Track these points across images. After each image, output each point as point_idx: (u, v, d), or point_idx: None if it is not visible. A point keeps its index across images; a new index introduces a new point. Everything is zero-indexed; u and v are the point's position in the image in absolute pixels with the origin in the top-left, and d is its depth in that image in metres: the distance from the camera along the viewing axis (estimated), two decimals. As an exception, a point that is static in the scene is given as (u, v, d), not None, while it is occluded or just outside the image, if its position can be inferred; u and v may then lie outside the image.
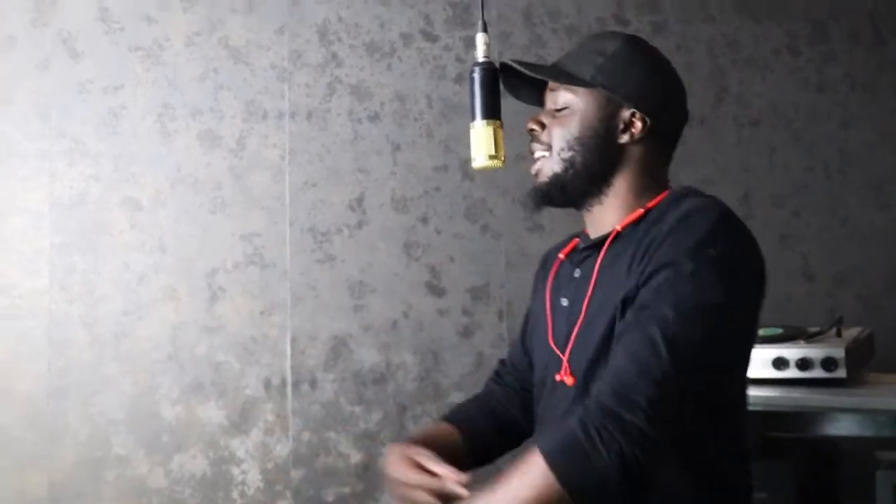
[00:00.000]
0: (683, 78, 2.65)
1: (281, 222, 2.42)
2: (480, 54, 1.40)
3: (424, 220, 2.50)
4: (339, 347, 2.41)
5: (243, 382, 2.36)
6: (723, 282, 1.15)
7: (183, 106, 2.39)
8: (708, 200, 1.25)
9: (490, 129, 1.36)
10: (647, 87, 1.32)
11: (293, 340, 2.39)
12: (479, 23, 1.42)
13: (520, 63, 1.35)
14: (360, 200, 2.47)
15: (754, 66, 2.78)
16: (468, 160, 2.49)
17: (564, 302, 1.33)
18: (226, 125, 2.41)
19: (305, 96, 2.46)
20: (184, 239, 2.37)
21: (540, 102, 1.41)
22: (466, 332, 2.49)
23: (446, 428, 1.48)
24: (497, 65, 1.38)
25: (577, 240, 1.41)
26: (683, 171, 2.70)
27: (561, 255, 1.41)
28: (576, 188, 1.32)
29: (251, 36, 2.44)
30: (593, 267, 1.29)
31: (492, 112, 1.37)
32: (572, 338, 1.28)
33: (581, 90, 1.31)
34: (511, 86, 1.42)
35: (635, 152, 1.32)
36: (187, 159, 2.38)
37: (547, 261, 1.49)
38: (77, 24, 2.35)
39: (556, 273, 1.41)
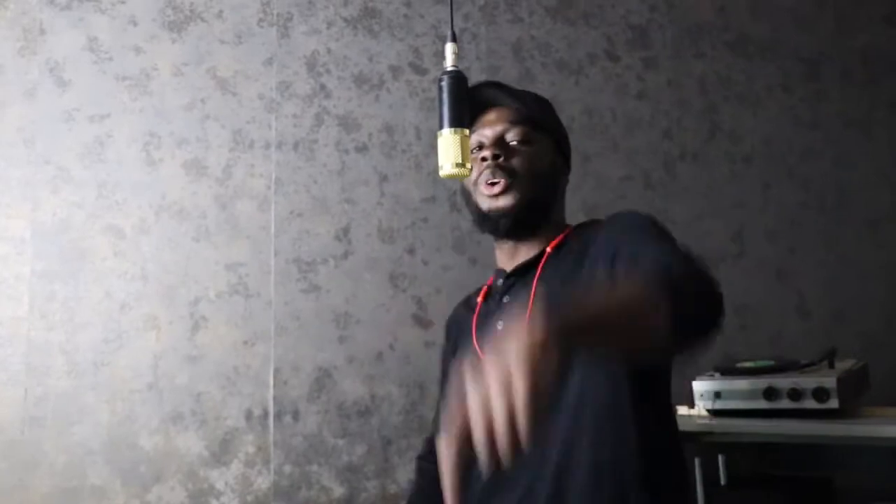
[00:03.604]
0: (675, 113, 2.70)
1: (266, 252, 2.39)
2: (449, 63, 1.39)
3: (411, 252, 2.47)
4: (322, 379, 2.37)
5: (224, 413, 2.31)
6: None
7: (169, 135, 2.38)
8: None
9: (458, 138, 1.34)
10: (568, 145, 1.54)
11: (276, 371, 2.35)
12: (449, 33, 1.41)
13: (502, 92, 1.49)
14: (346, 231, 2.44)
15: (747, 103, 2.78)
16: (456, 192, 2.51)
17: (500, 325, 1.37)
18: (212, 154, 2.40)
19: (293, 126, 2.46)
20: (167, 267, 2.34)
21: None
22: (453, 366, 2.44)
23: None
24: (466, 74, 1.38)
25: (485, 287, 1.53)
26: (676, 205, 2.69)
27: (479, 299, 1.51)
28: (537, 216, 1.44)
29: (239, 67, 2.45)
30: (528, 287, 1.38)
31: (459, 121, 1.35)
32: None
33: (543, 134, 1.47)
34: None
35: (562, 193, 1.51)
36: (172, 188, 2.37)
37: (453, 325, 1.58)
38: (65, 53, 2.36)
39: (479, 316, 1.48)
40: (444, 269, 2.48)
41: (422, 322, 2.45)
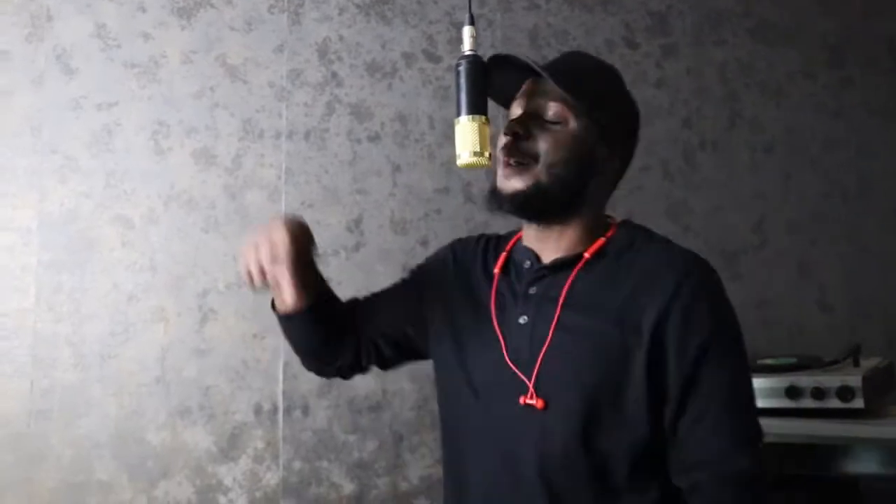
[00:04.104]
0: (695, 101, 2.63)
1: (276, 243, 2.34)
2: (467, 47, 1.34)
3: (424, 243, 2.42)
4: (333, 373, 2.32)
5: (233, 407, 2.27)
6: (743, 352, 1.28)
7: (178, 123, 2.34)
8: (684, 249, 1.32)
9: (475, 125, 1.28)
10: (625, 130, 1.36)
11: (286, 365, 2.31)
12: (467, 15, 1.36)
13: (547, 68, 1.31)
14: (358, 222, 2.39)
15: (768, 91, 2.71)
16: (470, 182, 2.46)
17: (523, 320, 1.29)
18: (222, 143, 2.35)
19: (304, 115, 2.40)
20: (176, 258, 2.30)
21: (503, 101, 1.39)
22: (467, 360, 2.39)
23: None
24: (484, 59, 1.33)
25: (503, 254, 1.39)
26: (695, 196, 2.62)
27: (496, 270, 1.38)
28: (554, 203, 1.30)
29: (249, 54, 2.40)
30: (558, 289, 1.28)
31: (477, 107, 1.29)
32: (539, 360, 1.24)
33: (580, 112, 1.30)
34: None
35: (601, 183, 1.34)
36: (181, 177, 2.32)
37: (459, 265, 1.44)
38: (72, 40, 2.31)
39: (497, 293, 1.36)
40: (458, 261, 2.42)
41: (435, 315, 2.39)
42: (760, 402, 1.96)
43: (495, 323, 1.31)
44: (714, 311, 1.24)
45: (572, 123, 1.29)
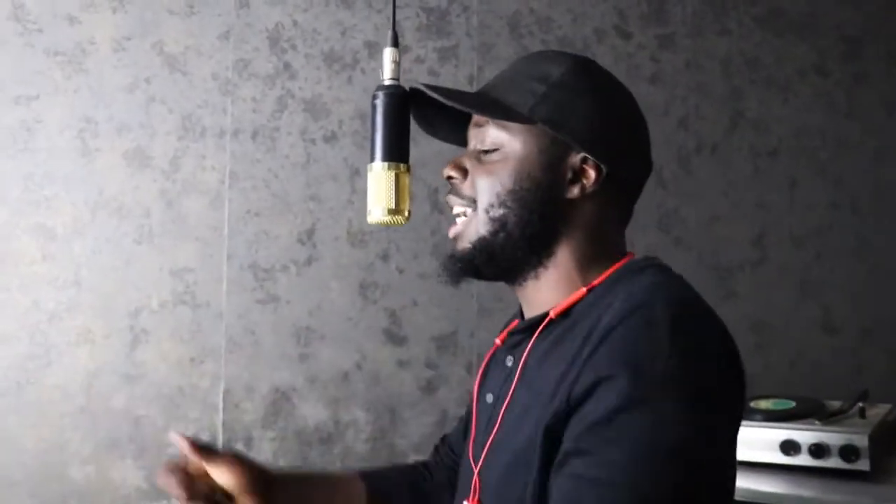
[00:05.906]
0: (693, 99, 2.37)
1: (217, 256, 2.13)
2: (387, 75, 1.08)
3: (385, 258, 2.19)
4: (280, 402, 2.12)
5: (167, 440, 2.06)
6: (686, 411, 0.83)
7: (108, 120, 2.10)
8: (660, 283, 0.94)
9: (391, 175, 1.04)
10: (601, 125, 1.00)
11: (227, 392, 2.10)
12: (389, 33, 1.10)
13: (432, 88, 1.00)
14: (310, 233, 2.17)
15: (775, 88, 2.48)
16: (438, 189, 2.21)
17: (489, 398, 1.05)
18: (157, 143, 2.13)
19: (251, 112, 2.17)
20: (104, 273, 2.08)
21: (462, 141, 1.09)
22: (429, 388, 2.18)
23: (349, 478, 1.18)
24: (404, 90, 1.06)
25: (517, 319, 1.10)
26: (690, 206, 2.39)
27: (498, 340, 1.10)
28: (508, 257, 1.00)
29: (191, 41, 2.15)
30: (519, 359, 1.00)
31: (397, 153, 1.04)
32: (484, 451, 1.00)
33: (516, 127, 0.99)
34: (426, 119, 1.09)
35: (586, 210, 1.00)
36: (111, 181, 2.10)
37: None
38: (-12, 24, 2.07)
39: (490, 359, 1.11)
40: (422, 277, 2.20)
41: (394, 338, 2.18)
42: (752, 455, 1.76)
43: (475, 404, 1.08)
44: (631, 339, 0.86)
45: (512, 146, 1.00)
